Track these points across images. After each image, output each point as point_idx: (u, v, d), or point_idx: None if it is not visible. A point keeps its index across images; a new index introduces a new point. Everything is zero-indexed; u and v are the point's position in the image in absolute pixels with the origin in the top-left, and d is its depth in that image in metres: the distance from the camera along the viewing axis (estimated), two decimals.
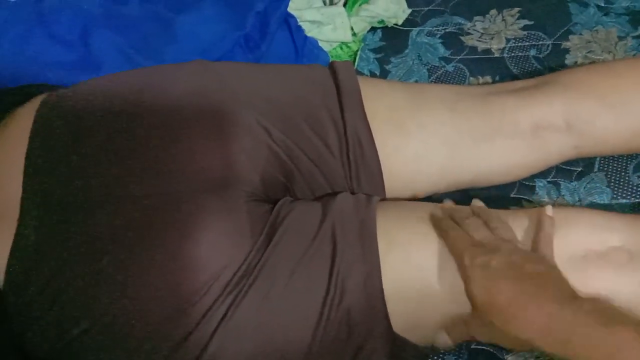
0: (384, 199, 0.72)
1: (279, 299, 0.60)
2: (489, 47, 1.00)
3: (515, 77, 0.94)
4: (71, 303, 0.59)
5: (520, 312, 0.51)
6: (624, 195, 0.79)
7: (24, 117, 0.68)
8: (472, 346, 0.69)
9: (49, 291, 0.59)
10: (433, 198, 0.76)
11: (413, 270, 0.62)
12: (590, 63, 0.92)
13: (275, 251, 0.62)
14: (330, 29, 1.04)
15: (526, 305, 0.51)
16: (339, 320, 0.61)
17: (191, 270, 0.60)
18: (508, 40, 0.99)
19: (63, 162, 0.64)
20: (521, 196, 0.82)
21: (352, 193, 0.71)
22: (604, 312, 0.49)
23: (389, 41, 1.06)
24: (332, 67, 0.76)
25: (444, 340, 0.60)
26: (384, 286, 0.61)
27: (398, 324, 0.62)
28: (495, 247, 0.58)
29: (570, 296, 0.51)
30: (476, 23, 1.04)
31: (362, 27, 1.07)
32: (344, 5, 1.09)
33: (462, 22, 1.05)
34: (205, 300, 0.59)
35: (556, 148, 0.74)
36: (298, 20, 1.02)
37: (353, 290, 0.61)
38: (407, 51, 1.04)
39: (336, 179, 0.72)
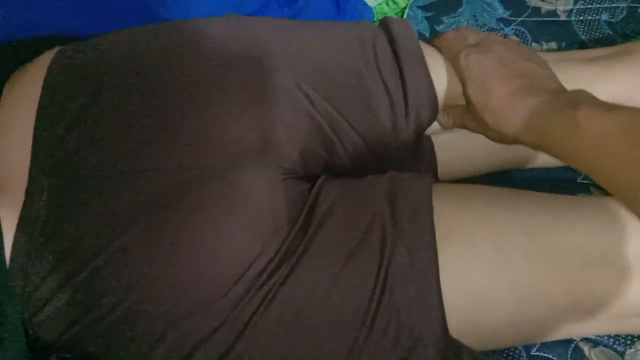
0: (436, 180, 0.64)
1: (320, 292, 0.53)
2: (554, 8, 0.89)
3: (583, 44, 0.84)
4: (83, 287, 0.53)
5: (509, 113, 0.54)
6: None
7: (34, 75, 0.60)
8: (532, 352, 0.62)
9: (60, 273, 0.53)
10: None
11: (475, 261, 0.54)
12: None
13: (316, 238, 0.55)
14: None
15: (515, 106, 0.54)
16: (387, 319, 0.53)
17: (219, 257, 0.53)
18: (576, 1, 0.88)
19: (78, 126, 0.56)
20: (589, 182, 0.73)
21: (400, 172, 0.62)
22: (579, 98, 0.49)
23: None
24: (385, 24, 0.66)
25: (443, 120, 0.64)
26: (441, 280, 0.53)
27: (454, 325, 0.55)
28: (490, 44, 0.61)
29: (556, 90, 0.54)
30: None
31: None
32: None
33: None
34: (234, 292, 0.53)
35: None
36: None
37: (404, 285, 0.53)
38: (460, 10, 0.93)
39: (384, 155, 0.64)
